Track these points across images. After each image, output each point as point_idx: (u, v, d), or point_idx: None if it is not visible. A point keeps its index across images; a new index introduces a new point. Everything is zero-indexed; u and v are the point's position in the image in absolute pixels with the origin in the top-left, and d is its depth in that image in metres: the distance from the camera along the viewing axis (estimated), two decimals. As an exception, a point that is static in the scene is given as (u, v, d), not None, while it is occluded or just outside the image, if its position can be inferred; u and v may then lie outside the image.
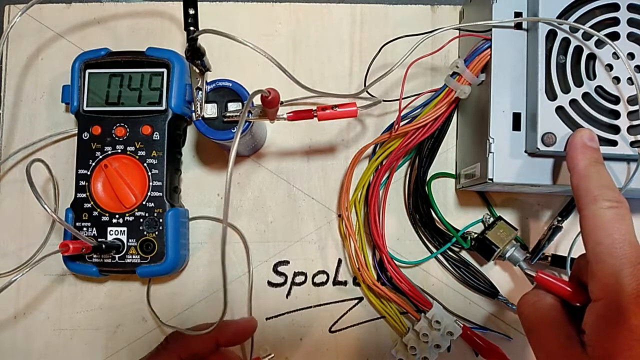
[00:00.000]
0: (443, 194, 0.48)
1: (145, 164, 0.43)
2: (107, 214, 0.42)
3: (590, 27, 0.38)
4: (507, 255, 0.44)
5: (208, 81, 0.40)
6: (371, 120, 0.48)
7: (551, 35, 0.39)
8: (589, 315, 0.30)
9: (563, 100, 0.38)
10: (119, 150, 0.43)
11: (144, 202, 0.42)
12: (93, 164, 0.43)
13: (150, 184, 0.43)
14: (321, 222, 0.48)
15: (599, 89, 0.38)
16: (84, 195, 0.43)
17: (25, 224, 0.47)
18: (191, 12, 0.35)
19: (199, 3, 0.36)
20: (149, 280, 0.47)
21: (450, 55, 0.48)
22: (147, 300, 0.46)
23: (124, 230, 0.42)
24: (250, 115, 0.39)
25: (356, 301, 0.47)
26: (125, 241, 0.42)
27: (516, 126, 0.39)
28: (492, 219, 0.46)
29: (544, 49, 0.39)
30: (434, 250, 0.47)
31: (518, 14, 0.40)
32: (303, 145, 0.48)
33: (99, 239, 0.42)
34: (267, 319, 0.47)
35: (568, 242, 0.45)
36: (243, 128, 0.39)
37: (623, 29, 0.38)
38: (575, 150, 0.34)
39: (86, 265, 0.42)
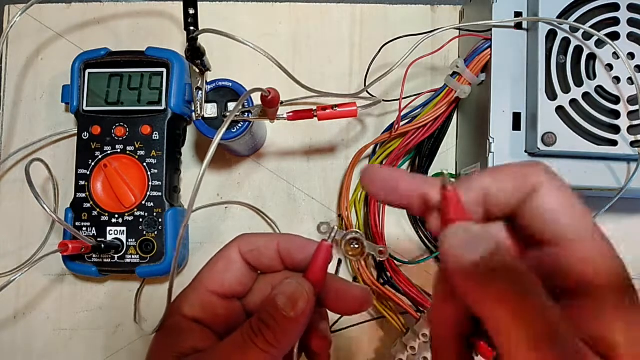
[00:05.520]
0: (443, 194, 0.48)
1: (144, 164, 0.43)
2: (106, 214, 0.42)
3: (590, 27, 0.38)
4: (507, 256, 0.44)
5: (208, 81, 0.39)
6: (371, 120, 0.48)
7: (551, 35, 0.39)
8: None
9: (563, 100, 0.38)
10: (119, 150, 0.43)
11: (143, 202, 0.42)
12: (93, 163, 0.43)
13: (150, 183, 0.43)
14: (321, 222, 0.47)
15: (599, 89, 0.38)
16: (84, 195, 0.43)
17: (25, 224, 0.47)
18: (191, 12, 0.35)
19: (199, 3, 0.36)
20: (142, 280, 0.46)
21: (450, 55, 0.48)
22: (134, 300, 0.46)
23: (124, 230, 0.42)
24: (250, 115, 0.39)
25: (356, 301, 0.47)
26: (124, 241, 0.42)
27: (516, 126, 0.39)
28: (492, 219, 0.46)
29: (544, 48, 0.39)
30: (434, 250, 0.47)
31: (518, 14, 0.40)
32: (303, 145, 0.48)
33: (99, 239, 0.42)
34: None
35: (568, 242, 0.45)
36: (243, 128, 0.39)
37: (623, 28, 0.38)
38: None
39: (86, 265, 0.42)
